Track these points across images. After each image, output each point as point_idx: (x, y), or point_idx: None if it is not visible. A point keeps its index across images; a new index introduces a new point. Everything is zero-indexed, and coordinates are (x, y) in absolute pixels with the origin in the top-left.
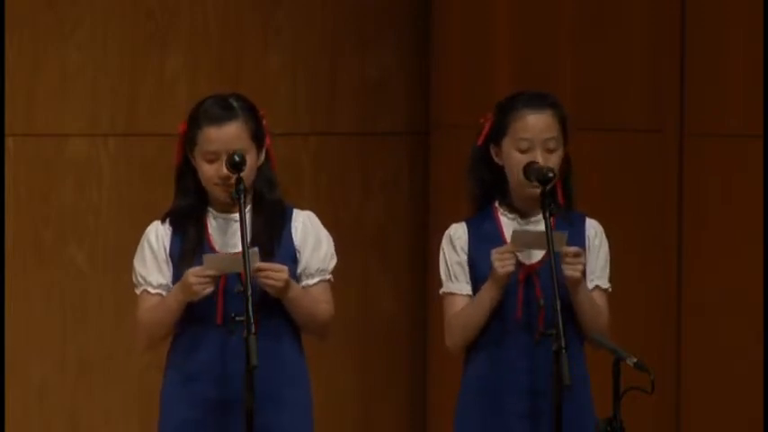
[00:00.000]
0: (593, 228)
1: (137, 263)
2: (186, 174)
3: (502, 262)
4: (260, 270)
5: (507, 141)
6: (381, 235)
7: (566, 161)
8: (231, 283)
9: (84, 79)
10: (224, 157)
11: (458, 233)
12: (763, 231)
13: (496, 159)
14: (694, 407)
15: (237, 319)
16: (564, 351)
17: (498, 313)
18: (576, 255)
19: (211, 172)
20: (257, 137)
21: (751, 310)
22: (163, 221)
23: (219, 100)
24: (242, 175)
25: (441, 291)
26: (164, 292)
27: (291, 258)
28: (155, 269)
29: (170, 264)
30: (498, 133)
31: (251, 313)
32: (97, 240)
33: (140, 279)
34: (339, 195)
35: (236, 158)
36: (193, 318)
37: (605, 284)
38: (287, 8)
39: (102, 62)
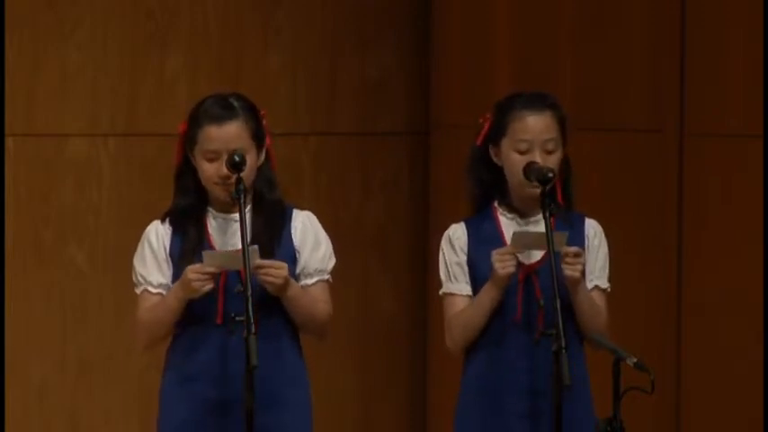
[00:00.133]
0: (592, 228)
1: (136, 262)
2: (186, 173)
3: (502, 263)
4: (260, 267)
5: (506, 142)
6: (381, 235)
7: (565, 161)
8: (231, 283)
9: (84, 79)
10: (224, 157)
11: (457, 233)
12: (763, 231)
13: (495, 160)
14: (694, 407)
15: (237, 319)
16: (564, 351)
17: (498, 313)
18: (577, 255)
19: (212, 171)
20: (257, 136)
21: (751, 310)
22: (162, 221)
23: (220, 99)
24: (242, 174)
25: (440, 291)
26: (164, 292)
27: (291, 258)
28: (155, 269)
29: (170, 263)
30: (497, 134)
31: (251, 313)
32: (97, 240)
33: (140, 278)
34: (339, 195)
35: (236, 158)
36: (193, 318)
37: (604, 284)
38: (287, 8)
39: (102, 62)
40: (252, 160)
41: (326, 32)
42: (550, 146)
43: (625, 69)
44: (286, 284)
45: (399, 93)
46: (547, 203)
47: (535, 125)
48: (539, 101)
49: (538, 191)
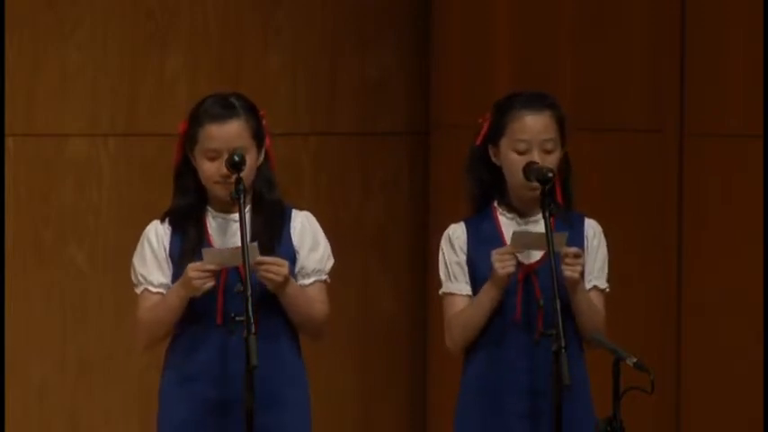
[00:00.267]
0: (591, 228)
1: (136, 262)
2: (186, 173)
3: (502, 263)
4: (261, 263)
5: (505, 142)
6: (381, 235)
7: (565, 161)
8: (231, 283)
9: (84, 79)
10: (225, 156)
11: (456, 233)
12: (763, 231)
13: (494, 160)
14: (694, 407)
15: (237, 319)
16: (564, 351)
17: (498, 313)
18: (576, 256)
19: (212, 170)
20: (258, 136)
21: (751, 310)
22: (162, 221)
23: (221, 99)
24: (242, 174)
25: (440, 291)
26: (164, 292)
27: (290, 258)
28: (155, 268)
29: (170, 263)
30: (496, 134)
31: (251, 313)
32: (97, 240)
33: (140, 278)
34: (339, 195)
35: (236, 158)
36: (193, 318)
37: (603, 285)
38: (287, 8)
39: (102, 62)
40: (252, 160)
41: (326, 32)
42: (549, 146)
43: (625, 69)
44: (286, 282)
45: (399, 93)
46: (547, 203)
47: (534, 125)
48: (537, 101)
49: (537, 191)
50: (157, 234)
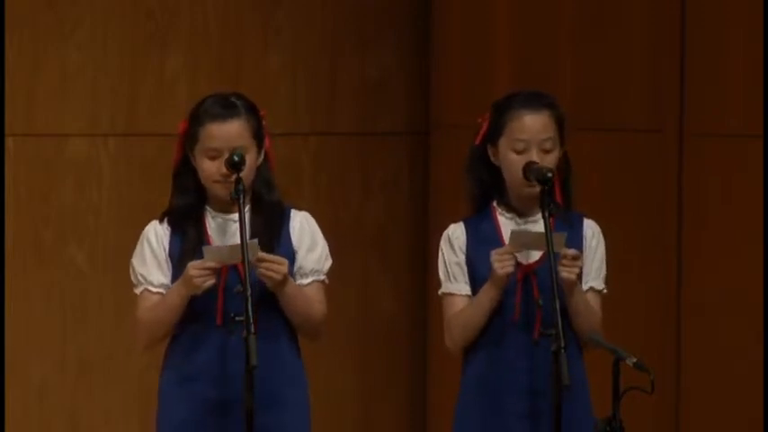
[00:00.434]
0: (590, 228)
1: (136, 262)
2: (185, 173)
3: (501, 263)
4: (261, 260)
5: (504, 141)
6: (381, 235)
7: (565, 161)
8: (231, 283)
9: (84, 79)
10: (225, 155)
11: (456, 233)
12: (763, 231)
13: (493, 159)
14: (694, 407)
15: (237, 319)
16: (563, 351)
17: (497, 313)
18: (575, 258)
19: (213, 169)
20: (258, 136)
21: (751, 310)
22: (161, 221)
23: (221, 98)
24: (241, 174)
25: (440, 291)
26: (164, 292)
27: (289, 258)
28: (155, 268)
29: (169, 263)
30: (495, 133)
31: (251, 313)
32: (97, 240)
33: (140, 278)
34: (339, 195)
35: (236, 158)
36: (193, 318)
37: (600, 286)
38: (287, 8)
39: (102, 62)
40: (252, 160)
41: (326, 32)
42: (548, 145)
43: (625, 69)
44: (285, 281)
45: (399, 93)
46: (546, 203)
47: (532, 124)
48: (536, 100)
49: (536, 190)
50: (157, 234)
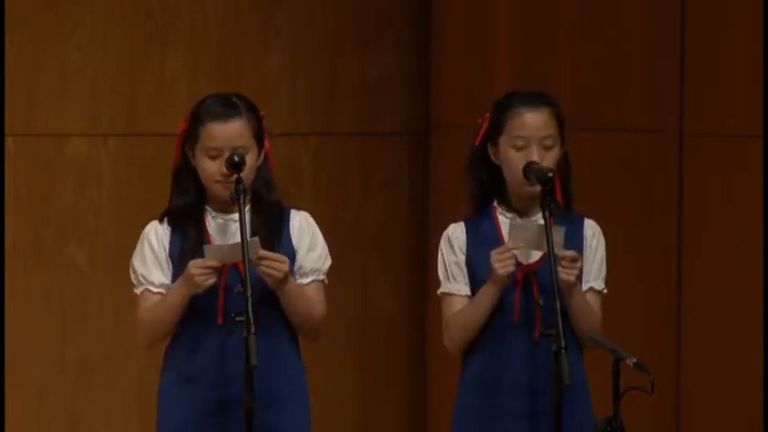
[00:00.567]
0: (590, 228)
1: (136, 263)
2: (185, 173)
3: (502, 263)
4: (263, 258)
5: (504, 140)
6: (381, 235)
7: (565, 161)
8: (232, 283)
9: (84, 79)
10: (226, 154)
11: (456, 233)
12: (763, 231)
13: (494, 159)
14: (694, 407)
15: (237, 319)
16: (564, 351)
17: (497, 313)
18: (574, 260)
19: (213, 168)
20: (258, 136)
21: (751, 310)
22: (160, 221)
23: (222, 98)
24: (242, 174)
25: (439, 291)
26: (164, 292)
27: (290, 257)
28: (156, 268)
29: (170, 264)
30: (495, 132)
31: (251, 313)
32: (97, 240)
33: (141, 278)
34: (339, 195)
35: (236, 158)
36: (193, 318)
37: (599, 286)
38: (287, 8)
39: (102, 62)
40: (252, 160)
41: (326, 32)
42: (548, 142)
43: (625, 69)
44: (286, 279)
45: (399, 93)
46: (546, 203)
47: (532, 122)
48: (536, 98)
49: (537, 190)
50: (157, 234)
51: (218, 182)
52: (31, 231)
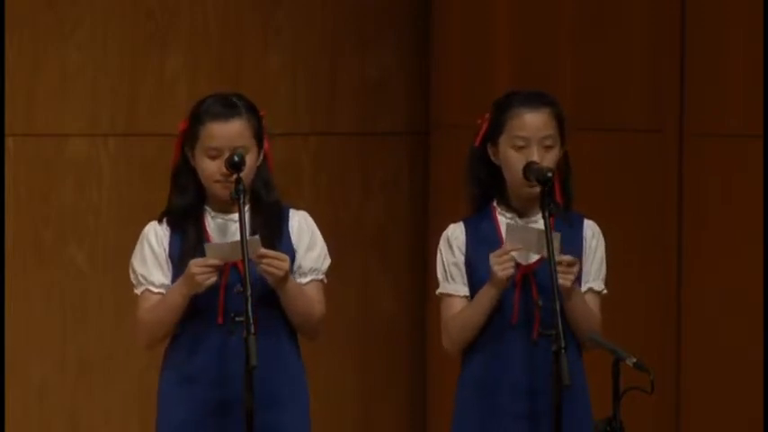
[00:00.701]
0: (590, 229)
1: (136, 263)
2: (184, 172)
3: (501, 265)
4: (263, 256)
5: (504, 139)
6: (381, 235)
7: (565, 161)
8: (233, 282)
9: (84, 79)
10: (226, 154)
11: (455, 233)
12: (763, 231)
13: (494, 159)
14: (694, 407)
15: (237, 319)
16: (563, 351)
17: (496, 314)
18: (570, 264)
19: (213, 168)
20: (258, 136)
21: (751, 310)
22: (160, 222)
23: (222, 98)
24: (242, 174)
25: (437, 291)
26: (165, 292)
27: (290, 257)
28: (156, 269)
29: (170, 264)
30: (495, 132)
31: (251, 313)
32: (97, 240)
33: (141, 279)
34: (339, 195)
35: (236, 159)
36: (193, 318)
37: (599, 287)
38: (287, 8)
39: (102, 62)
40: (252, 160)
41: (326, 32)
42: (549, 141)
43: (625, 69)
44: (286, 277)
45: (399, 93)
46: (546, 203)
47: (532, 122)
48: (536, 98)
49: (536, 190)
50: (157, 235)
51: (217, 182)
52: (31, 231)
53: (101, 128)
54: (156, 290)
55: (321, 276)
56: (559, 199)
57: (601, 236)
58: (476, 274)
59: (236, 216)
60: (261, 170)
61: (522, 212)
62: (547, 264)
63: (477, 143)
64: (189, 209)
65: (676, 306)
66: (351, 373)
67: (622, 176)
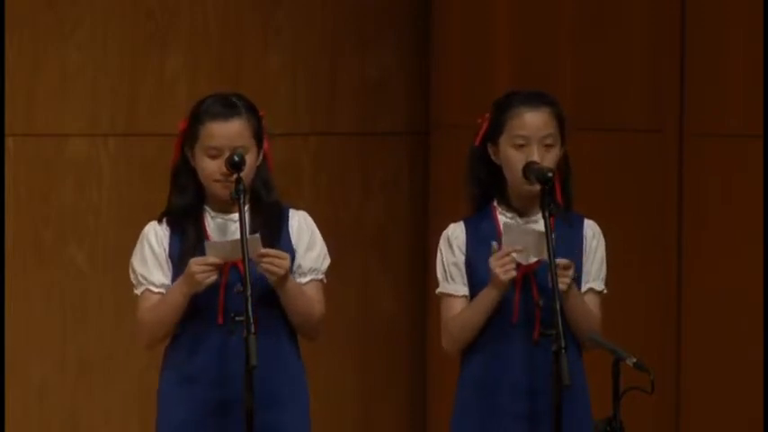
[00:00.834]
0: (590, 229)
1: (136, 263)
2: (184, 172)
3: (503, 268)
4: (264, 255)
5: (504, 139)
6: (381, 235)
7: (565, 162)
8: (233, 281)
9: (84, 79)
10: (226, 154)
11: (455, 233)
12: (763, 231)
13: (494, 158)
14: (694, 407)
15: (237, 319)
16: (564, 351)
17: (496, 314)
18: (566, 267)
19: (213, 168)
20: (258, 136)
21: (751, 310)
22: (159, 221)
23: (222, 98)
24: (241, 174)
25: (437, 291)
26: (165, 292)
27: (289, 257)
28: (156, 269)
29: (170, 264)
30: (495, 131)
31: (251, 313)
32: (97, 240)
33: (141, 279)
34: (339, 195)
35: (236, 158)
36: (193, 317)
37: (599, 287)
38: (287, 8)
39: (102, 62)
40: (252, 160)
41: (326, 32)
42: (549, 140)
43: (625, 69)
44: (286, 277)
45: (399, 93)
46: (546, 203)
47: (532, 121)
48: (536, 98)
49: (537, 189)
50: (157, 235)
51: (217, 181)
52: (31, 231)
53: (101, 128)
54: (156, 290)
55: (321, 276)
56: (559, 199)
57: (601, 236)
58: (476, 273)
59: (235, 216)
60: (260, 170)
61: (522, 212)
62: (547, 264)
63: (477, 143)
64: (189, 209)
65: (676, 306)
66: (351, 373)
67: (622, 176)
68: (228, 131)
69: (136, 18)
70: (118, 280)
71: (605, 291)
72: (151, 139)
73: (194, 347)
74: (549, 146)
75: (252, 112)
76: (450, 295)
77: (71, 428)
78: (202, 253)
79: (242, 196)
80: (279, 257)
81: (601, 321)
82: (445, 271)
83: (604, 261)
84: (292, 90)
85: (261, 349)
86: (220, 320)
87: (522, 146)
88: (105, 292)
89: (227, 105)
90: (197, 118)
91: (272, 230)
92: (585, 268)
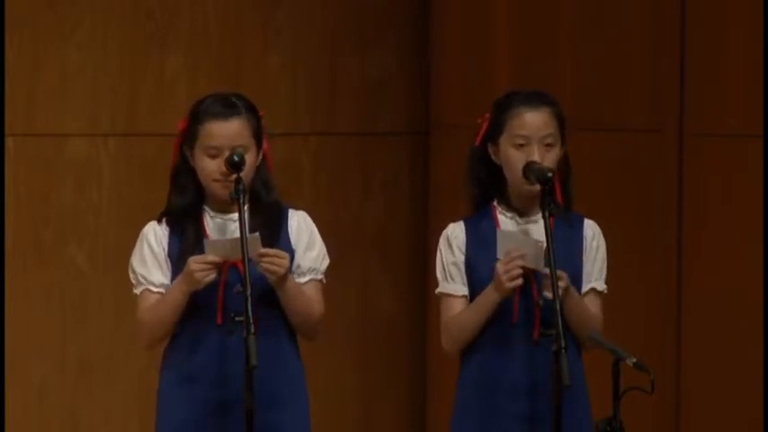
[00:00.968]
0: (590, 229)
1: (135, 263)
2: (183, 172)
3: (509, 274)
4: (263, 255)
5: (504, 139)
6: (381, 235)
7: (565, 162)
8: (232, 281)
9: (84, 79)
10: (225, 153)
11: (455, 233)
12: (763, 231)
13: (494, 158)
14: (694, 407)
15: (237, 319)
16: (564, 351)
17: (496, 314)
18: (558, 278)
19: (212, 167)
20: (257, 136)
21: (751, 310)
22: (159, 221)
23: (221, 98)
24: (241, 174)
25: (437, 291)
26: (164, 291)
27: (289, 257)
28: (155, 268)
29: (169, 263)
30: (495, 131)
31: (250, 313)
32: (97, 240)
33: (141, 279)
34: (339, 195)
35: (236, 158)
36: (193, 317)
37: (600, 287)
38: (287, 8)
39: (102, 62)
40: (251, 159)
41: (326, 32)
42: (549, 140)
43: (625, 69)
44: (286, 276)
45: (399, 93)
46: (546, 203)
47: (533, 121)
48: (536, 98)
49: (537, 189)
50: (156, 234)
51: (217, 181)
52: (31, 231)
53: (101, 128)
54: (155, 289)
55: (320, 276)
56: (559, 199)
57: (601, 236)
58: (475, 273)
59: (235, 216)
60: (260, 170)
61: (522, 212)
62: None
63: (477, 143)
64: (188, 208)
65: (676, 306)
66: (351, 373)
67: (622, 176)
68: (228, 131)
69: (136, 18)
70: (118, 280)
71: (606, 291)
72: (151, 139)
73: (194, 347)
74: (549, 146)
75: (251, 111)
76: (449, 295)
77: (71, 428)
78: (201, 252)
79: (241, 196)
80: (278, 257)
81: (602, 322)
82: (445, 271)
83: (605, 261)
84: (292, 90)
85: (260, 349)
86: (220, 320)
87: (522, 146)
88: (105, 292)
89: (227, 105)
90: (196, 118)
91: (272, 230)
92: (586, 269)
